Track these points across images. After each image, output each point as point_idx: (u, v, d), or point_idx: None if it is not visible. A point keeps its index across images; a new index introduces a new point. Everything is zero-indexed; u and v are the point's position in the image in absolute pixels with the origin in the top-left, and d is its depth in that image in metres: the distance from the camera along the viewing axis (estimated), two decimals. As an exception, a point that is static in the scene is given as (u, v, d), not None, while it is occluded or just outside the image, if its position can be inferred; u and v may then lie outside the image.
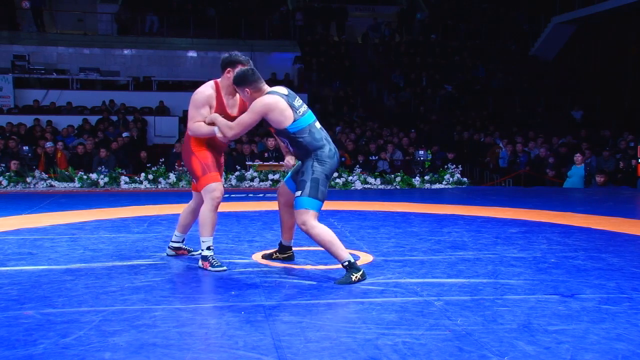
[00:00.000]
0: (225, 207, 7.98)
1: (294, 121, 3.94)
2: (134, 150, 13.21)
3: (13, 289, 3.66)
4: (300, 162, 4.13)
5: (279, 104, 3.94)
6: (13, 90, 16.59)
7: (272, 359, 2.55)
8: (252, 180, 11.33)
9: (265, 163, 11.76)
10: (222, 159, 4.54)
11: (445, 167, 12.09)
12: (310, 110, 4.10)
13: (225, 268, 4.17)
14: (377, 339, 2.79)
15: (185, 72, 19.36)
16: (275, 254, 4.54)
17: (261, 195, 9.68)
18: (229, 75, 4.25)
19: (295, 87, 18.25)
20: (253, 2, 21.00)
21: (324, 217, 6.70)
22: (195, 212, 4.56)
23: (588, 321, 3.05)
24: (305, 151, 3.98)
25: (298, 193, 3.93)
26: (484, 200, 8.86)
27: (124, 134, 13.88)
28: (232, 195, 9.63)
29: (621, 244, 5.26)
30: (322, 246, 3.93)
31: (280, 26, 20.87)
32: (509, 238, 5.53)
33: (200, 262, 4.27)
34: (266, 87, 4.09)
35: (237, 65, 4.23)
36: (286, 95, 4.02)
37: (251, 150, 12.66)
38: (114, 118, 15.60)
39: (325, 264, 4.42)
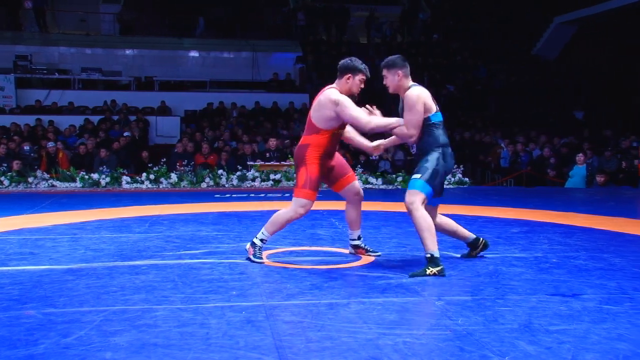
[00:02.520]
0: (227, 207, 8.00)
1: (436, 112, 4.20)
2: (135, 150, 13.23)
3: (14, 289, 3.67)
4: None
5: (426, 92, 4.20)
6: (15, 90, 16.61)
7: (273, 358, 2.55)
8: (253, 180, 11.33)
9: (266, 163, 11.76)
10: (335, 158, 4.55)
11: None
12: None
13: (264, 261, 4.41)
14: (378, 338, 2.79)
15: (187, 72, 19.37)
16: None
17: (262, 195, 9.69)
18: (349, 81, 4.35)
19: (297, 87, 18.27)
20: (255, 2, 20.98)
21: (326, 216, 6.72)
22: (356, 208, 4.62)
23: (589, 321, 3.05)
24: (435, 142, 4.18)
25: (417, 175, 4.14)
26: (486, 200, 8.86)
27: (125, 134, 13.89)
28: (234, 195, 9.63)
29: (623, 244, 5.25)
30: (417, 230, 4.10)
31: (282, 26, 20.86)
32: (510, 238, 5.53)
33: (247, 245, 4.50)
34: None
35: (357, 74, 4.36)
36: (426, 90, 4.25)
37: (252, 150, 12.66)
38: (116, 118, 15.62)
39: (327, 263, 4.42)
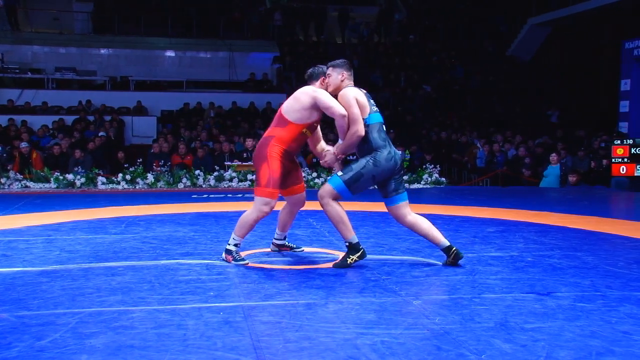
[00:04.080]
0: (204, 207, 7.95)
1: (370, 113, 4.25)
2: (111, 151, 13.09)
3: (-13, 292, 3.61)
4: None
5: (361, 94, 4.28)
6: (-14, 90, 16.34)
7: (251, 359, 2.55)
8: (230, 180, 11.29)
9: (244, 163, 11.72)
10: (295, 164, 4.58)
11: (424, 166, 12.17)
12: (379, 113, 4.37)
13: (247, 262, 4.39)
14: (355, 338, 2.80)
15: (163, 71, 19.21)
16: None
17: (240, 195, 9.65)
18: (326, 81, 4.42)
19: (274, 87, 18.24)
20: (232, 2, 20.90)
21: (303, 216, 6.71)
22: (292, 213, 4.71)
23: (563, 319, 3.09)
24: (368, 146, 4.23)
25: (339, 173, 4.26)
26: (462, 199, 8.94)
27: (100, 134, 13.73)
28: (211, 196, 9.58)
29: (596, 243, 5.34)
30: (332, 222, 4.26)
31: (259, 26, 20.81)
32: (486, 237, 5.59)
33: (223, 255, 4.46)
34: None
35: (328, 75, 4.42)
36: (364, 92, 4.34)
37: (230, 150, 12.61)
38: (91, 118, 15.43)
39: (304, 263, 4.42)
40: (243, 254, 4.72)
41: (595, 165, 12.16)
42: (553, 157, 11.87)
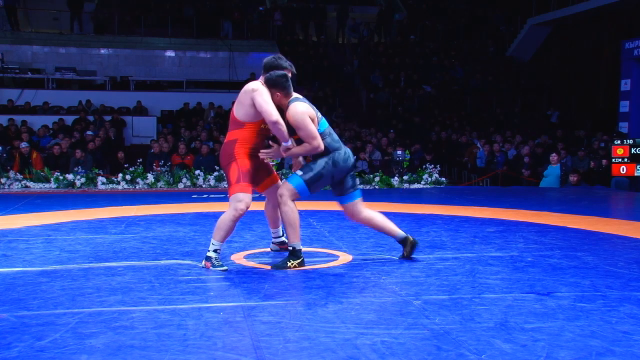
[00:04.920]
0: (204, 207, 7.95)
1: (319, 122, 4.30)
2: (111, 151, 13.09)
3: (-13, 292, 3.61)
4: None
5: (308, 106, 4.28)
6: (-14, 90, 16.34)
7: (251, 359, 2.55)
8: (230, 180, 11.28)
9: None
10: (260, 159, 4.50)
11: (424, 167, 12.17)
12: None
13: (226, 268, 4.21)
14: (355, 338, 2.80)
15: (163, 72, 19.20)
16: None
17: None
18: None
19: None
20: (232, 2, 20.90)
21: (303, 216, 6.71)
22: (275, 206, 4.60)
23: (563, 319, 3.09)
24: (324, 151, 4.29)
25: (299, 172, 4.29)
26: (462, 199, 8.93)
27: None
28: (211, 196, 9.58)
29: (596, 243, 5.34)
30: (284, 222, 4.28)
31: (258, 26, 20.81)
32: (486, 237, 5.58)
33: (203, 262, 4.28)
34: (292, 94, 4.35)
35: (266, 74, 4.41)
36: (307, 102, 4.37)
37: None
38: (91, 118, 15.43)
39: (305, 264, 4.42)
40: (243, 253, 4.73)
41: (595, 165, 12.16)
42: (553, 157, 11.87)
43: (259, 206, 4.91)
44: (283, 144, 4.27)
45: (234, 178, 4.22)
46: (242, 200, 4.18)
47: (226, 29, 20.16)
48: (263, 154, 4.36)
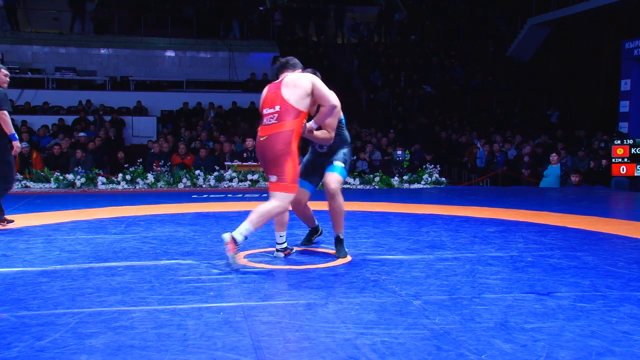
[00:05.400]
0: (204, 207, 7.95)
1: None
2: (111, 151, 13.09)
3: (-13, 292, 3.61)
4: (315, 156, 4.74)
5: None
6: (-14, 90, 16.32)
7: (251, 359, 2.55)
8: (231, 180, 11.29)
9: (244, 163, 11.72)
10: None
11: (424, 167, 12.17)
12: None
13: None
14: (355, 338, 2.80)
15: (163, 72, 19.21)
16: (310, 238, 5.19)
17: (240, 195, 9.65)
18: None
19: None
20: (232, 2, 20.90)
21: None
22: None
23: (563, 319, 3.09)
24: (345, 141, 4.73)
25: (340, 163, 4.58)
26: (462, 199, 8.93)
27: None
28: (211, 196, 9.59)
29: (596, 243, 5.34)
30: (334, 212, 4.56)
31: (258, 26, 20.82)
32: (486, 237, 5.58)
33: (227, 237, 4.13)
34: None
35: (297, 69, 4.55)
36: None
37: (230, 150, 12.61)
38: (91, 118, 15.43)
39: (304, 263, 4.42)
40: (243, 253, 4.72)
41: (595, 165, 12.16)
42: (553, 157, 11.87)
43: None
44: (311, 123, 4.40)
45: (290, 176, 4.23)
46: (289, 201, 4.32)
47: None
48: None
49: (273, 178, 4.29)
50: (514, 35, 21.23)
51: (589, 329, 2.95)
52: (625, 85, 13.65)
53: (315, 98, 4.29)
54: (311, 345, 2.70)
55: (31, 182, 10.91)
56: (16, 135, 6.03)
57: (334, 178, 4.49)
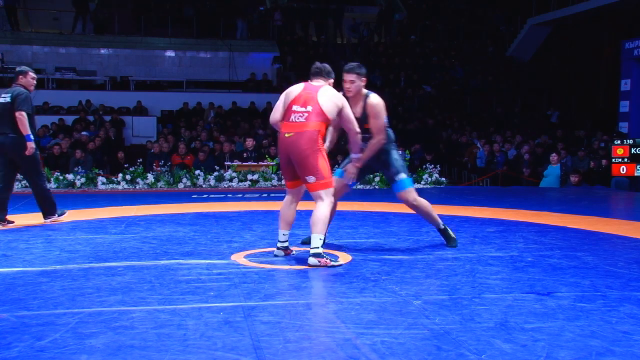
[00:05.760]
0: (204, 207, 7.95)
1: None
2: (111, 151, 13.09)
3: (-13, 292, 3.61)
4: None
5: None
6: (-14, 90, 16.33)
7: (251, 359, 2.55)
8: (230, 180, 11.29)
9: (244, 163, 11.73)
10: None
11: (424, 167, 12.17)
12: None
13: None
14: (356, 338, 2.79)
15: (163, 72, 19.21)
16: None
17: (240, 195, 9.65)
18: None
19: (274, 87, 18.25)
20: (232, 2, 20.90)
21: (303, 216, 6.71)
22: (295, 207, 4.72)
23: (563, 319, 3.09)
24: (390, 140, 4.85)
25: (402, 175, 4.79)
26: (462, 199, 8.94)
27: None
28: (211, 196, 9.59)
29: (596, 243, 5.34)
30: (423, 214, 4.94)
31: (258, 26, 20.83)
32: (486, 237, 5.58)
33: (313, 260, 4.24)
34: None
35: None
36: None
37: (230, 150, 12.61)
38: (91, 118, 15.43)
39: (304, 263, 4.42)
40: (243, 253, 4.73)
41: (595, 165, 12.16)
42: (553, 157, 11.87)
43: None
44: (354, 156, 4.68)
45: (325, 172, 4.37)
46: (331, 193, 4.43)
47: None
48: (349, 177, 4.75)
49: (311, 179, 4.37)
50: (514, 35, 21.22)
51: (589, 329, 2.94)
52: (625, 85, 13.65)
53: (341, 118, 4.46)
54: (311, 345, 2.70)
55: (31, 182, 10.89)
56: (31, 137, 6.19)
57: (405, 194, 4.81)
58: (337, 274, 4.10)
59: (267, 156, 12.26)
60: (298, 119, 4.37)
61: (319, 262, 4.23)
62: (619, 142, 11.31)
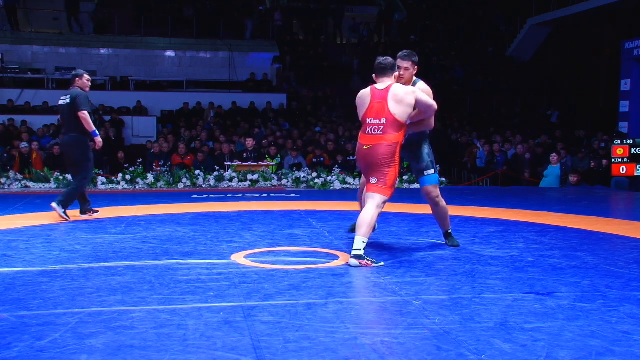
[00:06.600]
0: (204, 207, 7.95)
1: None
2: (111, 151, 13.09)
3: (-13, 292, 3.61)
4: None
5: None
6: (-14, 90, 16.34)
7: (251, 359, 2.55)
8: (230, 180, 11.29)
9: (244, 163, 11.73)
10: None
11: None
12: None
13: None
14: (355, 338, 2.79)
15: (163, 72, 19.21)
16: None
17: (240, 195, 9.65)
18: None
19: (274, 87, 18.25)
20: (232, 2, 20.91)
21: (303, 216, 6.71)
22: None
23: (563, 319, 3.09)
24: (424, 134, 4.95)
25: (431, 171, 4.90)
26: (462, 199, 8.93)
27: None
28: (211, 196, 9.58)
29: (596, 243, 5.34)
30: (440, 214, 5.04)
31: (258, 26, 20.83)
32: (486, 237, 5.58)
33: (354, 262, 4.27)
34: None
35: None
36: None
37: (230, 150, 12.61)
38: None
39: (304, 263, 4.42)
40: (243, 253, 4.73)
41: (595, 165, 12.16)
42: (553, 157, 11.87)
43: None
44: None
45: (390, 181, 4.49)
46: (385, 202, 4.51)
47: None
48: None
49: (373, 180, 4.50)
50: (514, 35, 21.22)
51: (589, 329, 2.94)
52: (625, 85, 13.65)
53: (418, 104, 4.53)
54: (311, 345, 2.70)
55: (31, 182, 10.91)
56: (97, 132, 6.66)
57: (431, 188, 4.91)
58: (337, 274, 4.10)
59: (267, 156, 12.26)
60: (374, 131, 4.48)
61: (360, 263, 4.29)
62: (619, 142, 11.31)
